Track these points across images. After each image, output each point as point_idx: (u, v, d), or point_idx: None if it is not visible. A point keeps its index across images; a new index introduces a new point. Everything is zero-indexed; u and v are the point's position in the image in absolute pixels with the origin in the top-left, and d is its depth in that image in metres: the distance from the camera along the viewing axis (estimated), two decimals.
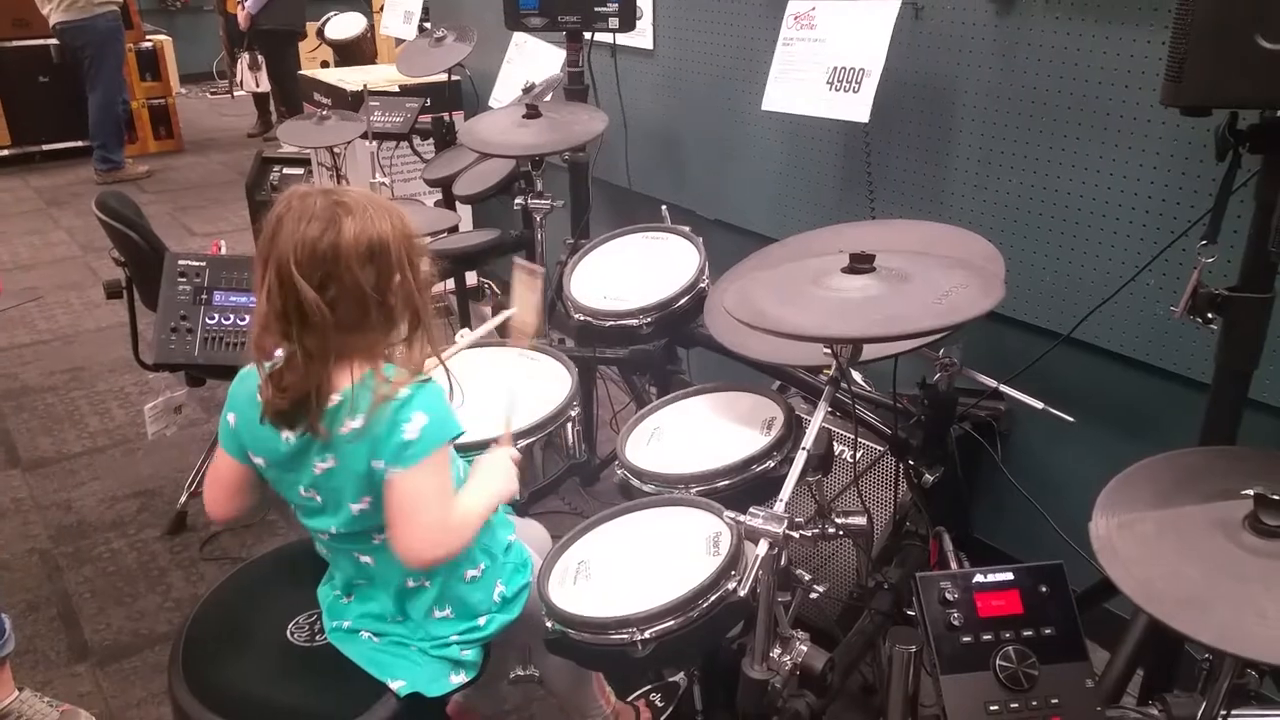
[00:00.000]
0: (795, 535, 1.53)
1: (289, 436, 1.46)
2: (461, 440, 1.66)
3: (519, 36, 3.68)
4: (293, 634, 1.66)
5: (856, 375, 2.30)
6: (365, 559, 1.58)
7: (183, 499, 3.03)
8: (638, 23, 2.98)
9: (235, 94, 8.87)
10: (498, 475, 1.62)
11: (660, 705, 2.08)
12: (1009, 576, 1.40)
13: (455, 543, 1.50)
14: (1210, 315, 1.59)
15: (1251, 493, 1.19)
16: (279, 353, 1.43)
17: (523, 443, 1.88)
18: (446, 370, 1.57)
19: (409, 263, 1.44)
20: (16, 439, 3.59)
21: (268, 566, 1.90)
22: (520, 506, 2.22)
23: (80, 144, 7.17)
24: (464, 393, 1.59)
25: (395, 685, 1.54)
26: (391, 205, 1.46)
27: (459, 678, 1.60)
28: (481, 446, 1.82)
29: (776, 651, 1.56)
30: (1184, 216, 2.01)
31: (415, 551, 1.47)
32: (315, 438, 1.45)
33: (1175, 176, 2.03)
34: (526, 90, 3.40)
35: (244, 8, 7.04)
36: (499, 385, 2.09)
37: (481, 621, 1.62)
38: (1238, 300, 1.57)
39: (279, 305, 1.39)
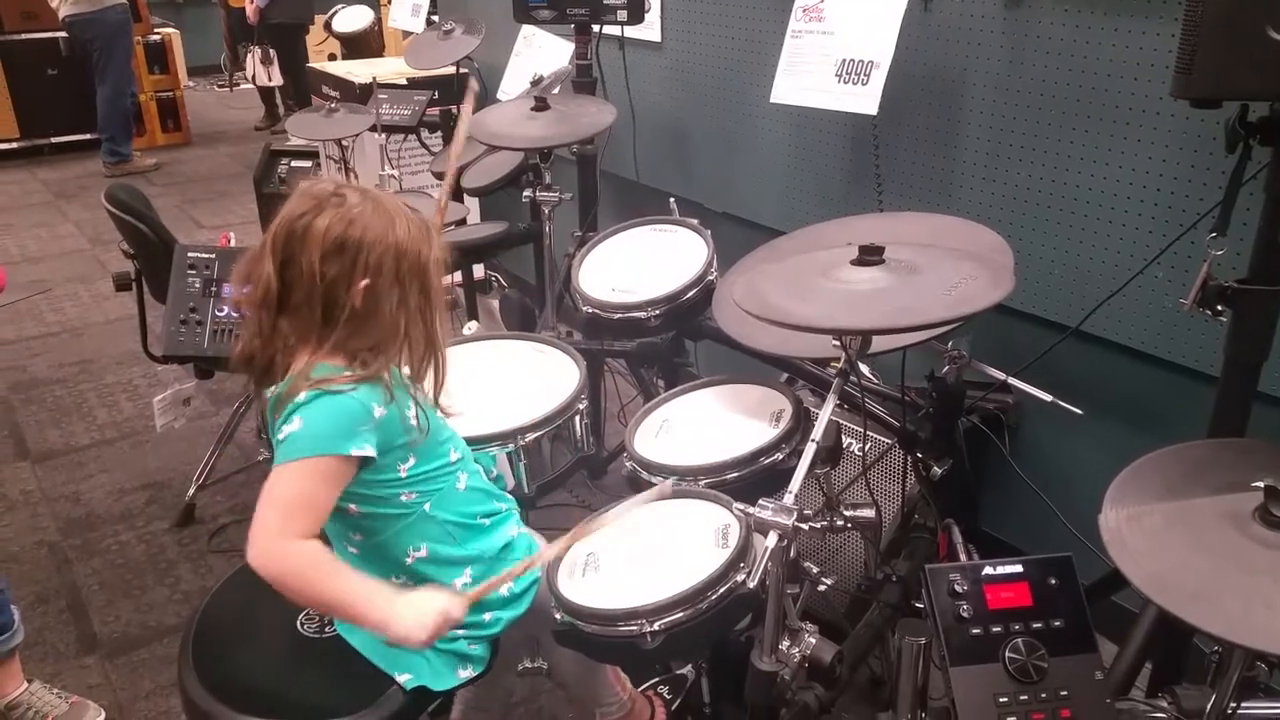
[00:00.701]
0: (804, 527, 1.52)
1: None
2: (467, 434, 1.67)
3: (527, 29, 3.68)
4: (303, 624, 1.66)
5: (865, 368, 2.30)
6: (353, 550, 1.58)
7: (191, 491, 3.04)
8: (646, 15, 2.98)
9: (234, 88, 8.89)
10: (395, 606, 1.40)
11: (669, 697, 2.08)
12: (1018, 569, 1.40)
13: (276, 566, 1.37)
14: (1220, 308, 1.59)
15: (1261, 485, 1.19)
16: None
17: (531, 436, 1.89)
18: (435, 393, 1.55)
19: (395, 274, 1.42)
20: (25, 431, 3.61)
21: None
22: (529, 500, 2.22)
23: (89, 136, 7.18)
24: (455, 415, 1.59)
25: (402, 679, 1.55)
26: (407, 215, 1.45)
27: (466, 672, 1.60)
28: (490, 440, 1.83)
29: (785, 643, 1.56)
30: (1194, 209, 2.00)
31: (248, 548, 1.38)
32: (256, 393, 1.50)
33: (1185, 169, 2.03)
34: (535, 83, 3.40)
35: (252, 1, 7.05)
36: (507, 379, 2.10)
37: (487, 618, 1.62)
38: (1247, 292, 1.57)
39: (251, 271, 1.44)
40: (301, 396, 1.40)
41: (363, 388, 1.43)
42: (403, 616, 1.39)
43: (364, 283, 1.41)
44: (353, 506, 1.50)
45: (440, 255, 1.50)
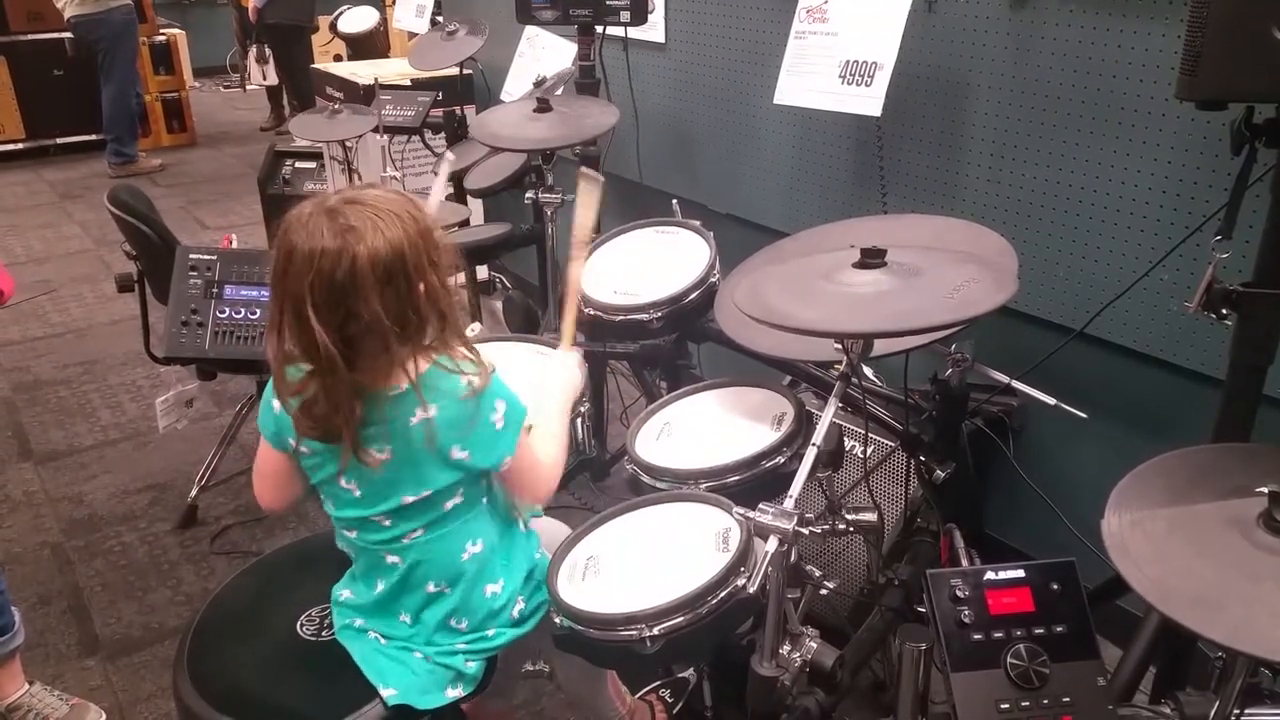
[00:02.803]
0: (805, 531, 1.52)
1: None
2: None
3: (530, 30, 3.67)
4: (302, 627, 1.66)
5: (868, 370, 2.29)
6: (393, 559, 1.56)
7: (193, 493, 3.04)
8: (649, 16, 2.97)
9: (247, 88, 8.90)
10: (560, 382, 1.74)
11: (670, 701, 2.08)
12: (1020, 574, 1.39)
13: (559, 470, 1.64)
14: (1225, 311, 1.58)
15: (1266, 490, 1.18)
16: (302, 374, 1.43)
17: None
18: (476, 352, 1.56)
19: (430, 262, 1.41)
20: (29, 432, 3.61)
21: (285, 560, 1.91)
22: None
23: (94, 137, 7.20)
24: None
25: (386, 693, 1.53)
26: (401, 201, 1.43)
27: (455, 691, 1.59)
28: None
29: (786, 648, 1.55)
30: (1199, 211, 1.99)
31: (540, 498, 1.67)
32: (353, 451, 1.44)
33: (1190, 171, 2.02)
34: (538, 84, 3.40)
35: (252, 1, 7.06)
36: (509, 381, 2.09)
37: (490, 633, 1.61)
38: (1253, 296, 1.56)
39: (300, 344, 1.38)
40: (484, 386, 1.46)
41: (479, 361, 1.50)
42: (570, 381, 1.77)
43: (421, 287, 1.41)
44: (460, 492, 1.54)
45: (431, 214, 1.50)
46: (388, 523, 1.53)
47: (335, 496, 1.55)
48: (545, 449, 1.61)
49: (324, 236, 1.34)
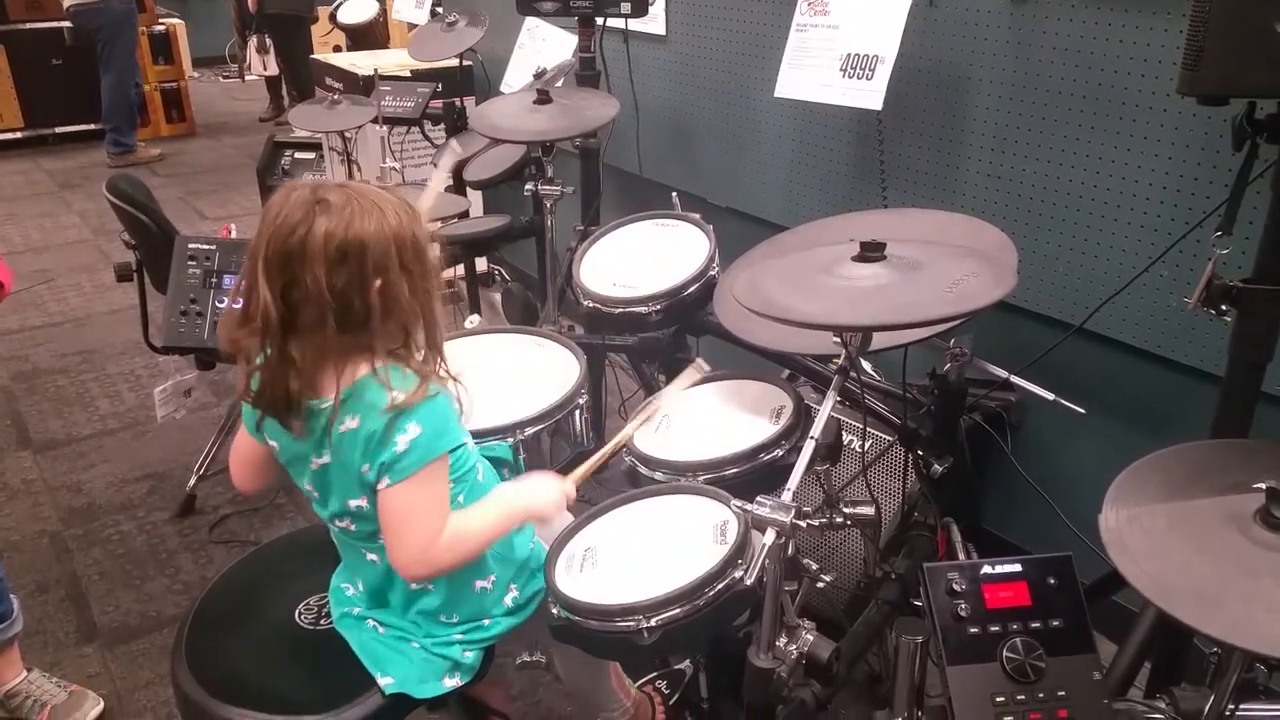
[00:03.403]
0: (803, 524, 1.52)
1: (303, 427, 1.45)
2: (471, 427, 1.66)
3: (530, 21, 3.66)
4: (300, 615, 1.66)
5: (866, 365, 2.29)
6: (371, 556, 1.57)
7: (192, 482, 3.04)
8: (650, 8, 2.96)
9: (246, 78, 8.87)
10: (524, 495, 1.58)
11: (666, 693, 2.08)
12: (1017, 568, 1.39)
13: (446, 560, 1.46)
14: (1224, 307, 1.58)
15: (1264, 486, 1.18)
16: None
17: (530, 430, 1.88)
18: (452, 376, 1.52)
19: (400, 264, 1.39)
20: (27, 420, 3.61)
21: (285, 548, 1.91)
22: None
23: (93, 127, 7.19)
24: (469, 397, 1.56)
25: (383, 681, 1.53)
26: (390, 200, 1.41)
27: (453, 680, 1.59)
28: (489, 434, 1.83)
29: (783, 640, 1.55)
30: (1199, 207, 1.99)
31: (403, 567, 1.47)
32: (297, 436, 1.45)
33: (1191, 167, 2.01)
34: (538, 76, 3.39)
35: None
36: (508, 372, 2.09)
37: (486, 622, 1.62)
38: (1253, 292, 1.56)
39: (249, 305, 1.38)
40: (407, 406, 1.39)
41: (436, 385, 1.44)
42: (537, 500, 1.60)
43: (377, 283, 1.38)
44: None
45: (428, 229, 1.47)
46: (352, 526, 1.53)
47: (309, 497, 1.56)
48: (469, 528, 1.49)
49: (295, 204, 1.36)
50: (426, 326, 1.46)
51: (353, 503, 1.48)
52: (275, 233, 1.35)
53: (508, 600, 1.64)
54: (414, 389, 1.40)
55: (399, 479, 1.41)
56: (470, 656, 1.60)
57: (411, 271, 1.41)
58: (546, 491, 1.61)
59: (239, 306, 1.41)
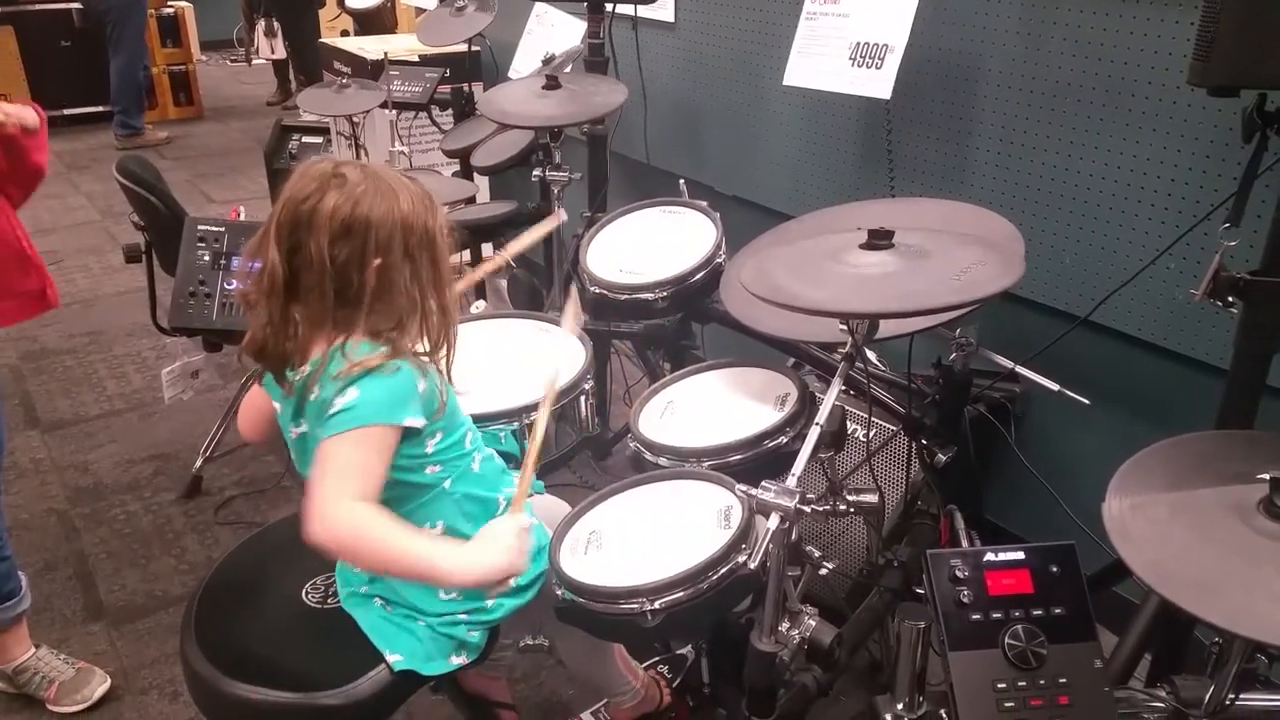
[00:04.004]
0: (806, 510, 1.53)
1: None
2: (474, 411, 1.67)
3: (540, 7, 3.66)
4: (307, 594, 1.68)
5: (871, 355, 2.30)
6: None
7: (198, 463, 3.05)
8: None
9: (253, 62, 8.86)
10: (461, 558, 1.44)
11: (669, 676, 2.09)
12: (1020, 555, 1.40)
13: (338, 533, 1.37)
14: (1231, 299, 1.58)
15: (1267, 477, 1.19)
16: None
17: (534, 415, 1.88)
18: (447, 366, 1.53)
19: (404, 250, 1.42)
20: (35, 400, 3.62)
21: (291, 529, 1.91)
22: None
23: (101, 109, 7.17)
24: (452, 390, 1.56)
25: (392, 659, 1.55)
26: (409, 188, 1.44)
27: (459, 659, 1.60)
28: (495, 418, 1.83)
29: (785, 625, 1.57)
30: (1207, 199, 1.99)
31: (307, 520, 1.37)
32: (286, 395, 1.49)
33: (1200, 159, 2.01)
34: (546, 61, 3.39)
35: None
36: (513, 358, 2.10)
37: (490, 604, 1.62)
38: (1260, 284, 1.56)
39: (257, 253, 1.43)
40: (354, 373, 1.40)
41: (403, 363, 1.44)
42: (483, 559, 1.43)
43: (376, 262, 1.40)
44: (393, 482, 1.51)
45: (445, 223, 1.49)
46: None
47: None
48: (378, 523, 1.40)
49: (314, 175, 1.41)
50: (425, 318, 1.47)
51: None
52: (290, 198, 1.40)
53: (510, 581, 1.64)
54: (368, 358, 1.41)
55: (326, 435, 1.39)
56: (475, 636, 1.61)
57: (416, 260, 1.43)
58: (498, 552, 1.45)
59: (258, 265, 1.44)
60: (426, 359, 1.49)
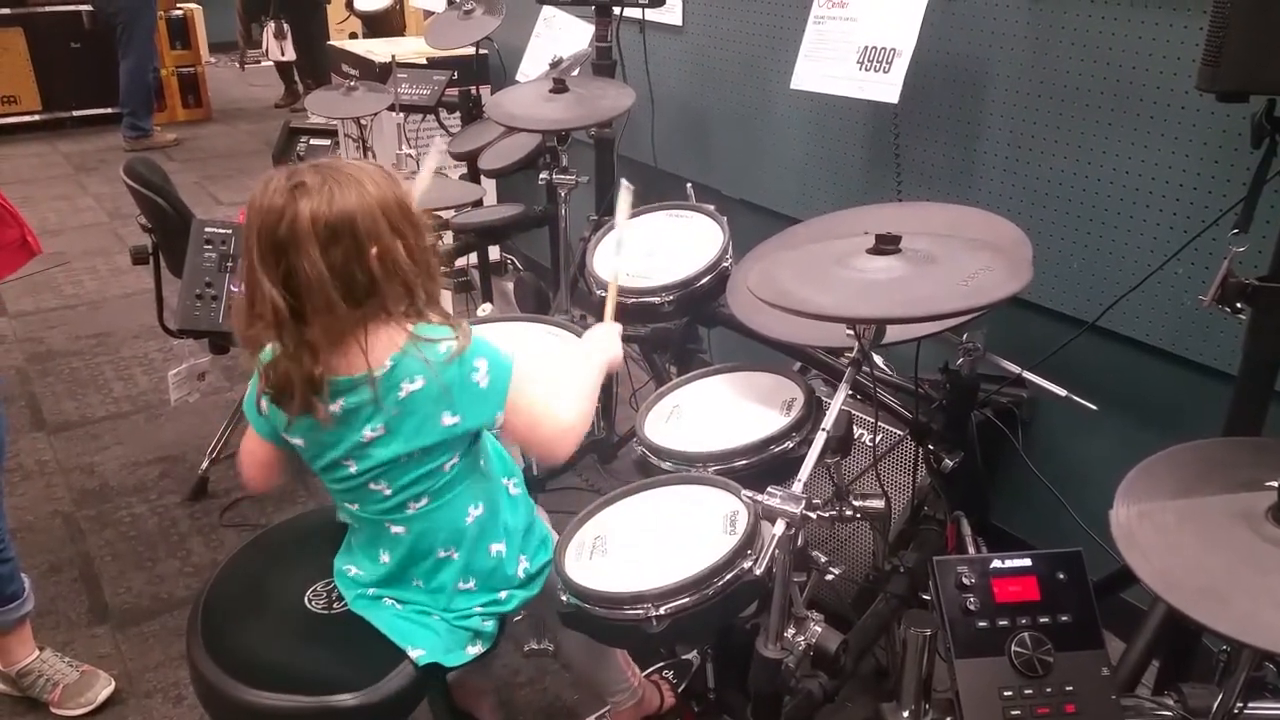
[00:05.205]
0: (812, 516, 1.52)
1: (334, 407, 1.45)
2: None
3: (547, 11, 3.66)
4: (310, 600, 1.67)
5: (878, 359, 2.29)
6: (397, 529, 1.58)
7: (204, 465, 3.06)
8: None
9: (245, 66, 8.90)
10: (594, 349, 1.74)
11: (674, 681, 2.09)
12: (1027, 562, 1.39)
13: (582, 426, 1.61)
14: (1240, 305, 1.57)
15: (1276, 484, 1.18)
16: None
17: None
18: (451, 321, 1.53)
19: (390, 228, 1.40)
20: (42, 402, 3.63)
21: (287, 534, 1.92)
22: (538, 483, 2.22)
23: (110, 110, 7.19)
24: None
25: (415, 654, 1.55)
26: (366, 170, 1.42)
27: (475, 649, 1.62)
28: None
29: (790, 631, 1.56)
30: (1216, 205, 1.98)
31: (556, 453, 1.61)
32: (324, 422, 1.46)
33: (1208, 164, 2.00)
34: (554, 65, 3.39)
35: None
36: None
37: (503, 596, 1.64)
38: (1268, 290, 1.55)
39: (254, 302, 1.39)
40: (462, 352, 1.45)
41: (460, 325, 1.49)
42: (608, 348, 1.76)
43: (373, 250, 1.39)
44: (458, 456, 1.54)
45: (406, 187, 1.48)
46: (388, 492, 1.54)
47: (335, 475, 1.56)
48: (569, 405, 1.60)
49: (274, 193, 1.37)
50: (427, 282, 1.48)
51: (409, 449, 1.49)
52: (263, 226, 1.36)
53: (519, 571, 1.66)
54: (455, 334, 1.46)
55: (504, 405, 1.50)
56: (489, 625, 1.63)
57: (403, 232, 1.43)
58: (608, 339, 1.77)
59: (246, 302, 1.42)
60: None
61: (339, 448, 1.50)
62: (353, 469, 1.53)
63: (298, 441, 1.53)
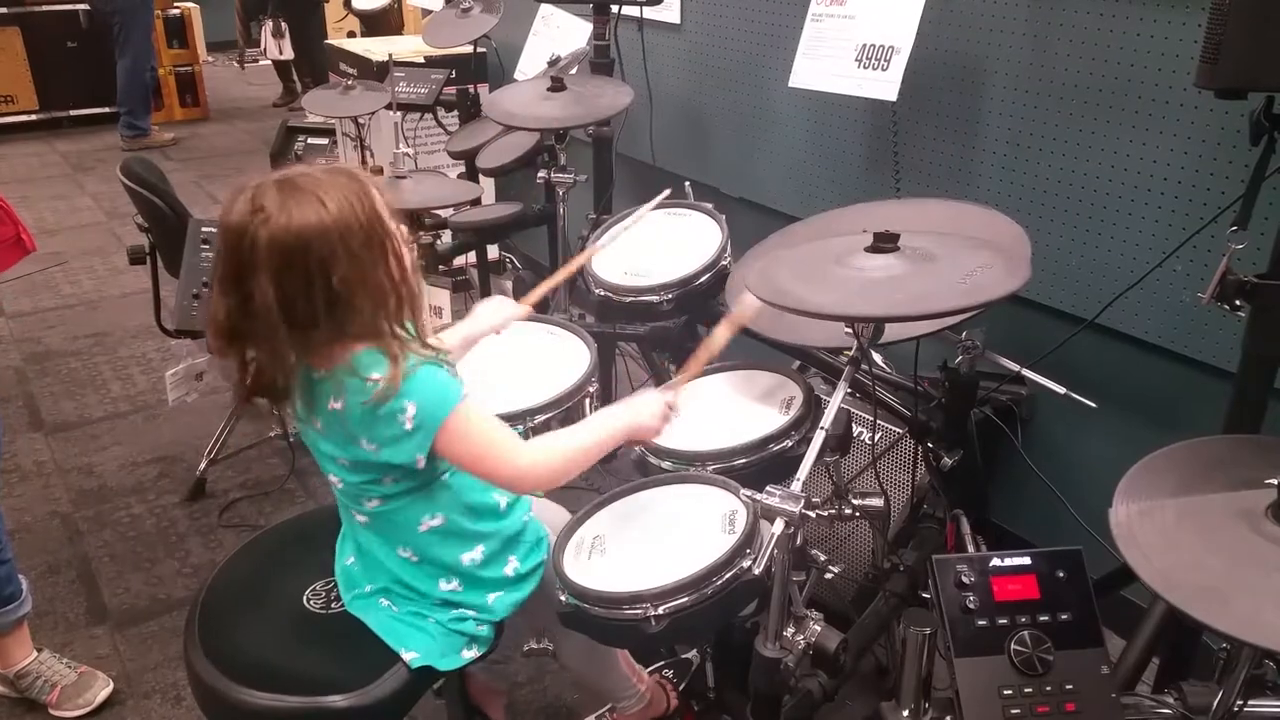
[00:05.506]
0: (811, 515, 1.52)
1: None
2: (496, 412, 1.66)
3: (545, 9, 3.66)
4: (309, 600, 1.67)
5: (877, 357, 2.29)
6: (360, 517, 1.58)
7: (202, 465, 3.05)
8: None
9: (244, 65, 8.90)
10: (625, 414, 1.61)
11: (673, 681, 2.09)
12: (1026, 561, 1.39)
13: (546, 468, 1.51)
14: (1239, 302, 1.57)
15: (1275, 482, 1.18)
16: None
17: (541, 418, 1.88)
18: (435, 348, 1.50)
19: (349, 251, 1.36)
20: (40, 402, 3.63)
21: (286, 534, 1.91)
22: None
23: (107, 110, 7.19)
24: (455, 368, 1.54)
25: (408, 656, 1.55)
26: (336, 186, 1.38)
27: (471, 653, 1.61)
28: (509, 420, 1.83)
29: (790, 630, 1.56)
30: (1215, 202, 1.98)
31: (517, 487, 1.57)
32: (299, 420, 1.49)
33: (1207, 161, 2.00)
34: (552, 63, 3.39)
35: None
36: (518, 360, 2.09)
37: (492, 599, 1.62)
38: (1267, 287, 1.55)
39: (217, 316, 1.40)
40: (392, 392, 1.39)
41: (412, 358, 1.43)
42: (640, 416, 1.61)
43: (334, 277, 1.36)
44: (390, 477, 1.51)
45: (381, 200, 1.42)
46: (340, 484, 1.55)
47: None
48: (533, 451, 1.52)
49: (238, 214, 1.36)
50: (395, 303, 1.43)
51: (342, 460, 1.49)
52: (227, 245, 1.37)
53: (509, 571, 1.63)
54: (390, 373, 1.39)
55: (427, 449, 1.44)
56: (485, 630, 1.62)
57: (363, 255, 1.38)
58: (647, 407, 1.63)
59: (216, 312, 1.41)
60: (415, 340, 1.47)
61: (305, 428, 1.54)
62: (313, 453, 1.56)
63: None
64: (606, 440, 1.58)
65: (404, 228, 1.47)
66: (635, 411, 1.61)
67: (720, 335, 1.71)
